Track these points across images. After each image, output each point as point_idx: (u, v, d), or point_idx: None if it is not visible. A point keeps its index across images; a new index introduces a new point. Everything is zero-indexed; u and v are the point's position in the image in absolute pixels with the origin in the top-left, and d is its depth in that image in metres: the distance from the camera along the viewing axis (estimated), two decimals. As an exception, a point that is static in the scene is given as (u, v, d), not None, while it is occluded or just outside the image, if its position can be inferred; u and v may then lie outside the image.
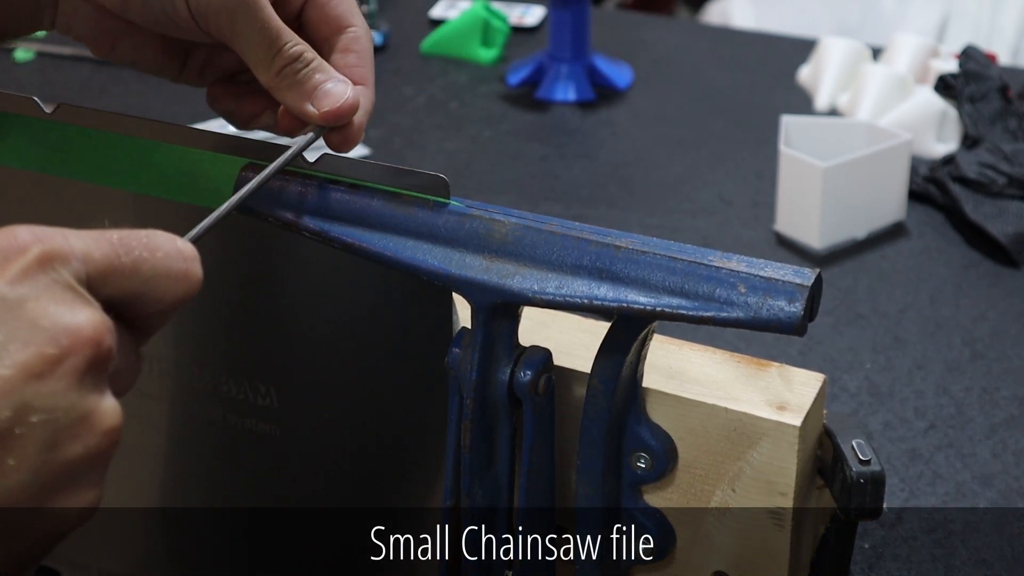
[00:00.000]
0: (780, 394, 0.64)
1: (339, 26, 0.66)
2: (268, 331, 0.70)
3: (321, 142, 0.63)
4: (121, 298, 0.48)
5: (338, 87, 0.63)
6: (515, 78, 1.52)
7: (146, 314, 0.49)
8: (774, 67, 1.57)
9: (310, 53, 0.63)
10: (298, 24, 0.66)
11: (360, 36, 0.66)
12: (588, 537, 0.65)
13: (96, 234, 0.47)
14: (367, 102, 0.65)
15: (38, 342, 0.44)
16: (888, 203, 1.22)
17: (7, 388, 0.43)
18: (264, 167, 0.61)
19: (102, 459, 0.47)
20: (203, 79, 0.69)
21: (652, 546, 0.66)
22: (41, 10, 0.66)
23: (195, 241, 0.53)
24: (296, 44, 0.63)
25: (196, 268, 0.50)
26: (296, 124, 0.64)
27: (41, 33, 0.68)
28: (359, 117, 0.64)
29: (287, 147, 0.62)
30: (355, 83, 0.64)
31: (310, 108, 0.63)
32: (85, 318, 0.45)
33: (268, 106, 0.67)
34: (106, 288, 0.47)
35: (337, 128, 0.63)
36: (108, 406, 0.47)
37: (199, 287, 0.50)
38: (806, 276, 0.56)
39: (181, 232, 0.52)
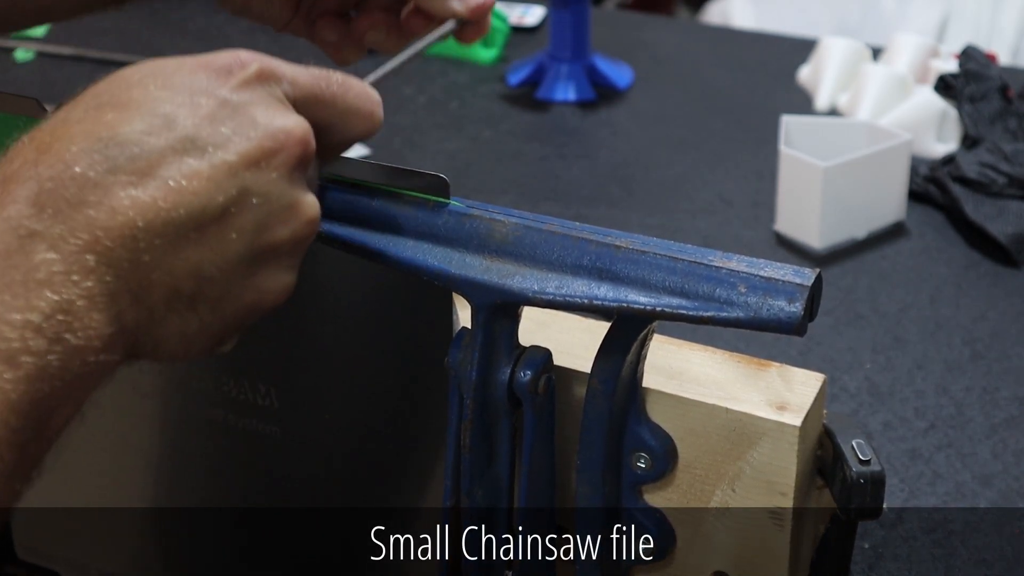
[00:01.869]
0: (780, 394, 0.64)
1: None
2: (269, 331, 0.70)
3: None
4: (316, 124, 0.54)
5: None
6: (515, 78, 1.52)
7: (330, 144, 0.56)
8: (774, 67, 1.57)
9: None
10: None
11: None
12: (588, 537, 0.65)
13: (303, 67, 0.55)
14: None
15: (258, 137, 0.51)
16: (888, 203, 1.22)
17: (232, 172, 0.50)
18: None
19: (302, 245, 0.54)
20: (308, 22, 0.79)
21: (652, 546, 0.66)
22: None
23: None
24: None
25: (380, 111, 0.58)
26: (423, 24, 0.76)
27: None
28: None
29: None
30: None
31: (457, 6, 0.74)
32: (296, 122, 0.53)
33: (375, 25, 0.78)
34: (306, 111, 0.54)
35: (473, 23, 0.75)
36: (310, 199, 0.54)
37: (379, 129, 0.58)
38: (806, 276, 0.56)
39: None
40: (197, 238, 0.50)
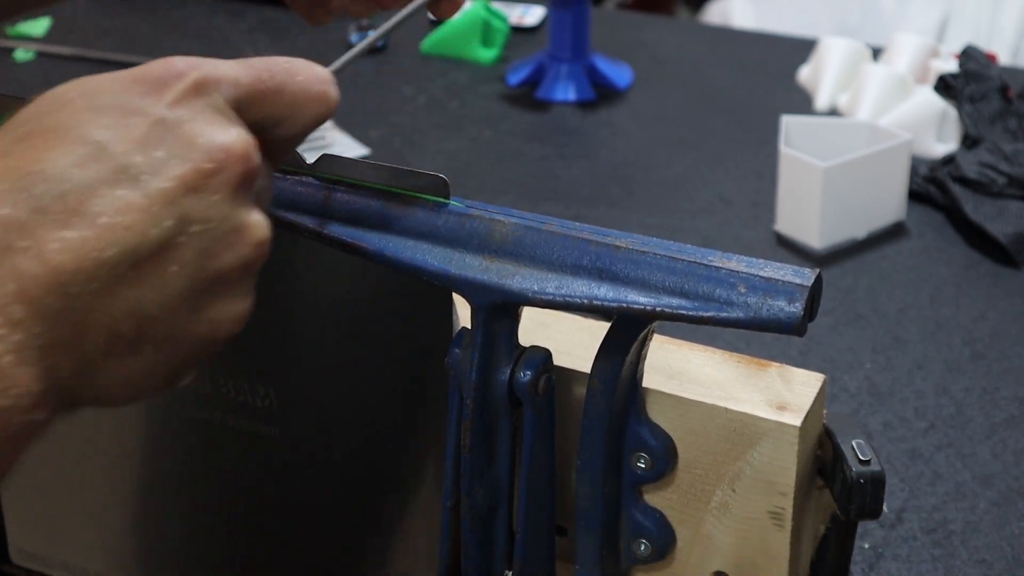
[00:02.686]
0: (780, 394, 0.64)
1: None
2: (267, 332, 0.70)
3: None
4: (264, 120, 0.52)
5: None
6: (515, 78, 1.52)
7: (284, 137, 0.53)
8: (774, 67, 1.57)
9: None
10: None
11: None
12: (588, 537, 0.65)
13: (242, 62, 0.51)
14: None
15: (195, 158, 0.48)
16: (888, 203, 1.22)
17: (169, 200, 0.47)
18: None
19: (252, 269, 0.50)
20: None
21: (652, 546, 0.66)
22: None
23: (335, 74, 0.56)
24: None
25: (332, 90, 0.53)
26: None
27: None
28: None
29: None
30: None
31: None
32: (236, 136, 0.49)
33: None
34: (252, 111, 0.51)
35: None
36: (256, 219, 0.50)
37: (335, 110, 0.54)
38: (806, 276, 0.56)
39: None
40: (134, 276, 0.46)
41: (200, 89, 0.49)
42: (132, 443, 0.76)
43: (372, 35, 0.63)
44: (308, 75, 0.53)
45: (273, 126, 0.52)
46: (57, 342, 0.46)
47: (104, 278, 0.46)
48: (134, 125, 0.47)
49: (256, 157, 0.50)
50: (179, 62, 0.49)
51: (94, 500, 0.78)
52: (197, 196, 0.48)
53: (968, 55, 1.39)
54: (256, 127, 0.51)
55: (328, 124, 1.39)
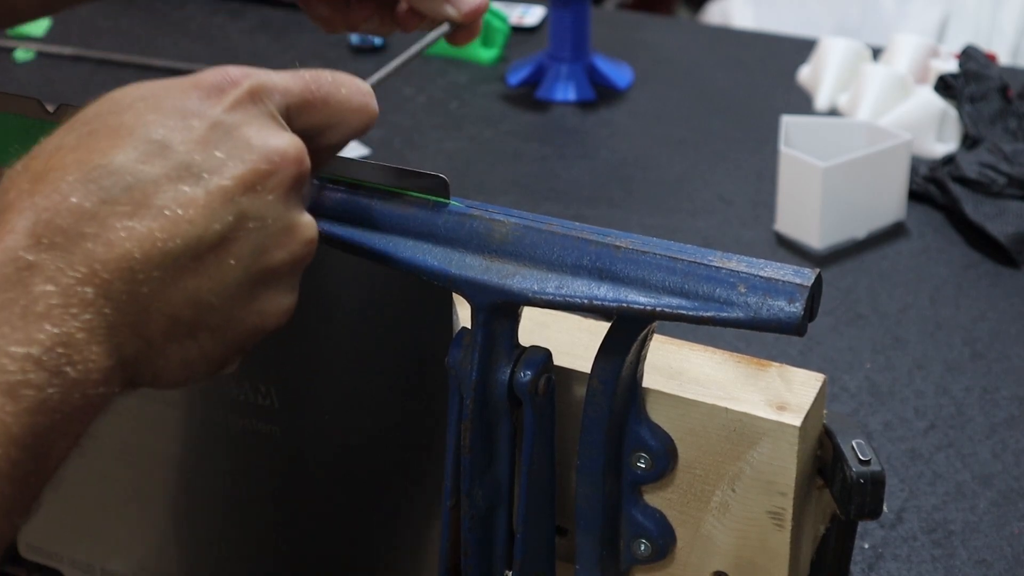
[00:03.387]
0: (780, 394, 0.64)
1: None
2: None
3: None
4: (310, 129, 0.55)
5: None
6: (515, 78, 1.52)
7: (327, 145, 0.56)
8: (774, 67, 1.57)
9: None
10: None
11: None
12: (588, 537, 0.65)
13: (292, 73, 0.54)
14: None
15: (253, 159, 0.51)
16: (888, 203, 1.22)
17: (228, 197, 0.50)
18: None
19: (300, 266, 0.54)
20: None
21: (652, 546, 0.66)
22: None
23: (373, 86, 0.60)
24: None
25: (374, 102, 0.57)
26: (416, 23, 0.78)
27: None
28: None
29: None
30: None
31: (450, 10, 0.75)
32: (289, 141, 0.52)
33: (368, 17, 0.80)
34: (300, 119, 0.54)
35: (465, 27, 0.76)
36: (307, 219, 0.54)
37: (375, 120, 0.57)
38: (806, 276, 0.56)
39: None
40: (195, 267, 0.50)
41: (255, 96, 0.52)
42: (135, 441, 0.76)
43: (407, 54, 0.68)
44: (352, 88, 0.56)
45: (318, 134, 0.55)
46: (123, 323, 0.48)
47: (168, 267, 0.49)
48: (195, 127, 0.50)
49: (307, 161, 0.53)
50: (234, 71, 0.52)
51: (101, 496, 0.78)
52: (254, 195, 0.51)
53: (968, 55, 1.39)
54: (303, 134, 0.54)
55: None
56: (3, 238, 0.47)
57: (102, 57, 1.59)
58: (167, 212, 0.49)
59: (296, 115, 0.54)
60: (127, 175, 0.49)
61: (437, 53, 1.59)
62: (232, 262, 0.50)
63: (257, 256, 0.51)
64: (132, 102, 0.51)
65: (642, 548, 0.66)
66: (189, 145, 0.50)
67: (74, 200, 0.48)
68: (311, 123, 0.55)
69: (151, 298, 0.49)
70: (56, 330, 0.47)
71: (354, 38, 1.58)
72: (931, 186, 1.26)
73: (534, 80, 1.51)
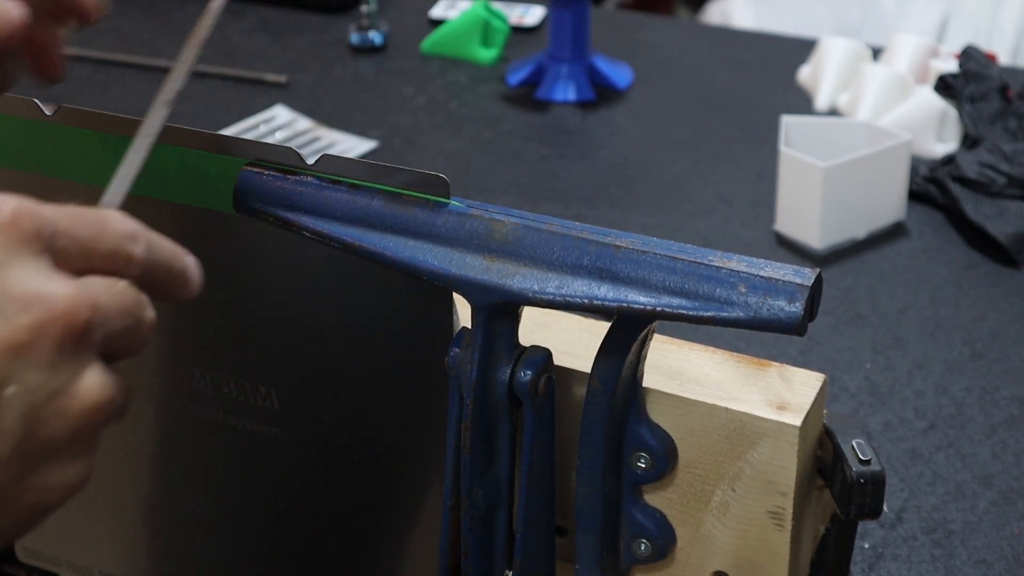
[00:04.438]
0: (780, 394, 0.64)
1: None
2: (268, 332, 0.70)
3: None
4: (92, 267, 0.46)
5: None
6: (515, 78, 1.52)
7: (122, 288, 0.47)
8: (774, 67, 1.57)
9: None
10: None
11: None
12: (588, 537, 0.65)
13: (57, 207, 0.46)
14: None
15: (9, 315, 0.43)
16: (888, 203, 1.22)
17: None
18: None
19: (87, 434, 0.45)
20: None
21: (652, 546, 0.66)
22: None
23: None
24: None
25: (191, 266, 0.49)
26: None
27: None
28: None
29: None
30: None
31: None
32: (57, 288, 0.44)
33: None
34: (79, 259, 0.45)
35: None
36: (92, 380, 0.45)
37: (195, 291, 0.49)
38: (806, 276, 0.56)
39: (192, 236, 0.52)
40: None
41: (20, 228, 0.44)
42: (134, 442, 0.76)
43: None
44: (118, 218, 0.47)
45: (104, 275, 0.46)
46: None
47: None
48: None
49: (85, 312, 0.44)
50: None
51: (99, 499, 0.78)
52: (14, 357, 0.43)
53: (968, 55, 1.39)
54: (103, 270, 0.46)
55: (327, 126, 1.39)
56: None
57: (102, 57, 1.59)
58: None
59: (74, 253, 0.45)
60: None
61: (437, 53, 1.59)
62: None
63: (28, 428, 0.43)
64: None
65: (642, 548, 0.66)
66: None
67: None
68: (90, 264, 0.46)
69: None
70: None
71: (354, 38, 1.58)
72: (931, 186, 1.26)
73: (534, 80, 1.51)
